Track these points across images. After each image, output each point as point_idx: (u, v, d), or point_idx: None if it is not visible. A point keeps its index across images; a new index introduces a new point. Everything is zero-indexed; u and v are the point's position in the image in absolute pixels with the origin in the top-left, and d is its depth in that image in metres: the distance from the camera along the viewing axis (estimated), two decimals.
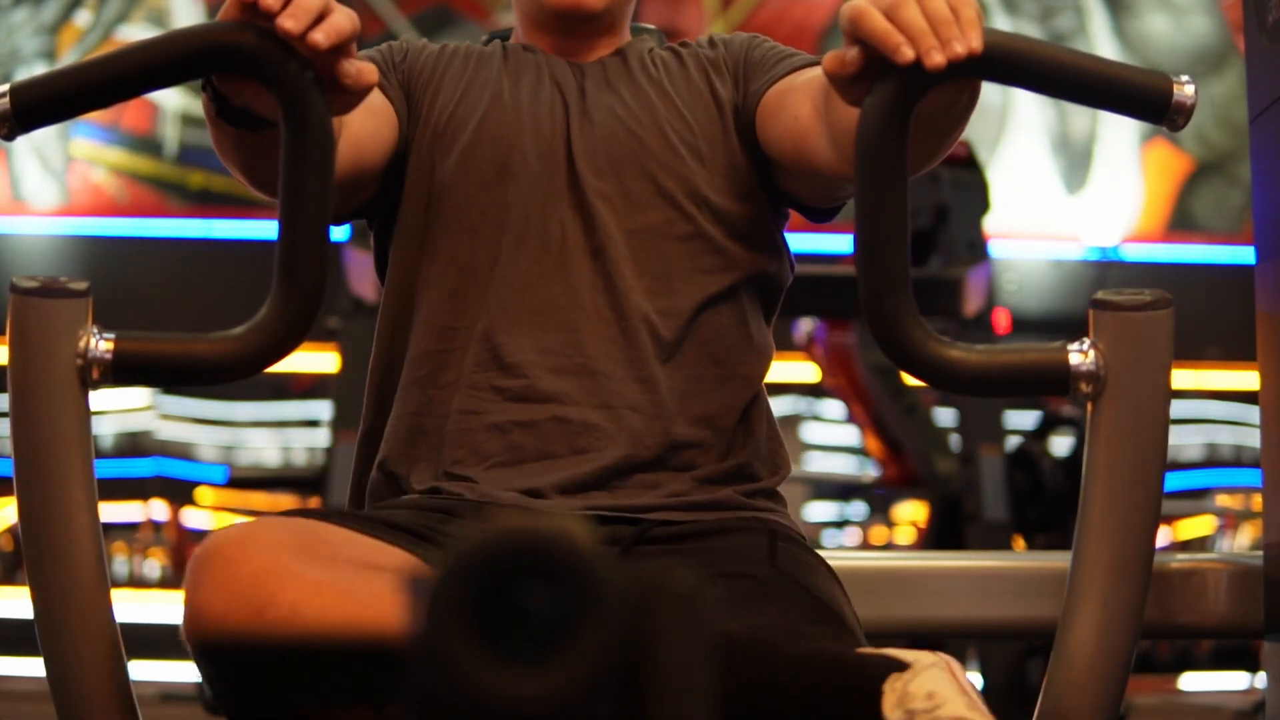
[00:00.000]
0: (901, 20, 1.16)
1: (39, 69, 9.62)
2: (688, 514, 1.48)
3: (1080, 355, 1.28)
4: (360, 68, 1.21)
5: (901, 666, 1.15)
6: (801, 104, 1.46)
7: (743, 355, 1.56)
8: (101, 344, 1.24)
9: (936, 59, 1.16)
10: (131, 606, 7.76)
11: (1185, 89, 1.23)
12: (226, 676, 1.20)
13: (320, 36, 1.16)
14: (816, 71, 1.45)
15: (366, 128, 1.46)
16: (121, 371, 1.24)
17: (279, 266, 1.20)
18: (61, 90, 1.22)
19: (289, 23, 1.15)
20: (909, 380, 5.09)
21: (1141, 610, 1.36)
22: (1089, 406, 1.31)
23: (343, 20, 1.18)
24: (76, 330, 1.24)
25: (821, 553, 1.53)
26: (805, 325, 5.17)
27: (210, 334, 1.24)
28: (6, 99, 1.20)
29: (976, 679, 4.08)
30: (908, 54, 1.16)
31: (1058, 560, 1.64)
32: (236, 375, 1.24)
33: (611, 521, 1.46)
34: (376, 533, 1.34)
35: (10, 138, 1.24)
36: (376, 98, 1.50)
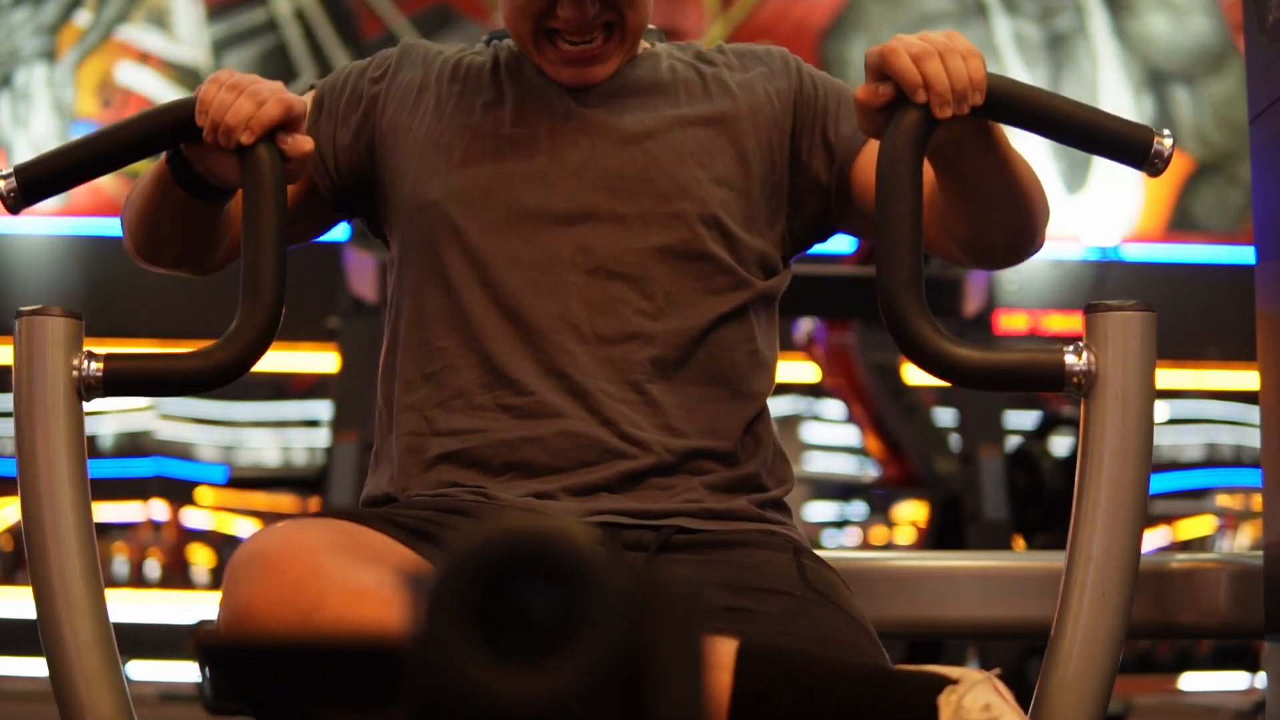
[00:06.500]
0: (925, 70, 1.35)
1: (39, 69, 9.60)
2: (704, 522, 1.48)
3: (1074, 356, 1.40)
4: (296, 139, 1.42)
5: (950, 682, 1.18)
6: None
7: (750, 373, 1.56)
8: (93, 365, 1.40)
9: (946, 112, 1.36)
10: (131, 606, 7.76)
11: (1164, 141, 1.38)
12: (257, 677, 1.20)
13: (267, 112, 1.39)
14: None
15: None
16: (111, 386, 1.40)
17: (244, 286, 1.38)
18: (58, 168, 1.42)
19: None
20: (909, 380, 5.09)
21: (1131, 597, 1.42)
22: (1082, 403, 1.42)
23: (274, 109, 1.39)
24: (73, 351, 1.40)
25: (821, 553, 1.53)
26: (805, 325, 5.16)
27: (187, 351, 1.41)
28: (12, 179, 1.41)
29: None
30: (923, 97, 1.36)
31: (1057, 560, 1.63)
32: (212, 385, 1.41)
33: (633, 528, 1.46)
34: (407, 539, 1.35)
35: (15, 211, 1.43)
36: None
